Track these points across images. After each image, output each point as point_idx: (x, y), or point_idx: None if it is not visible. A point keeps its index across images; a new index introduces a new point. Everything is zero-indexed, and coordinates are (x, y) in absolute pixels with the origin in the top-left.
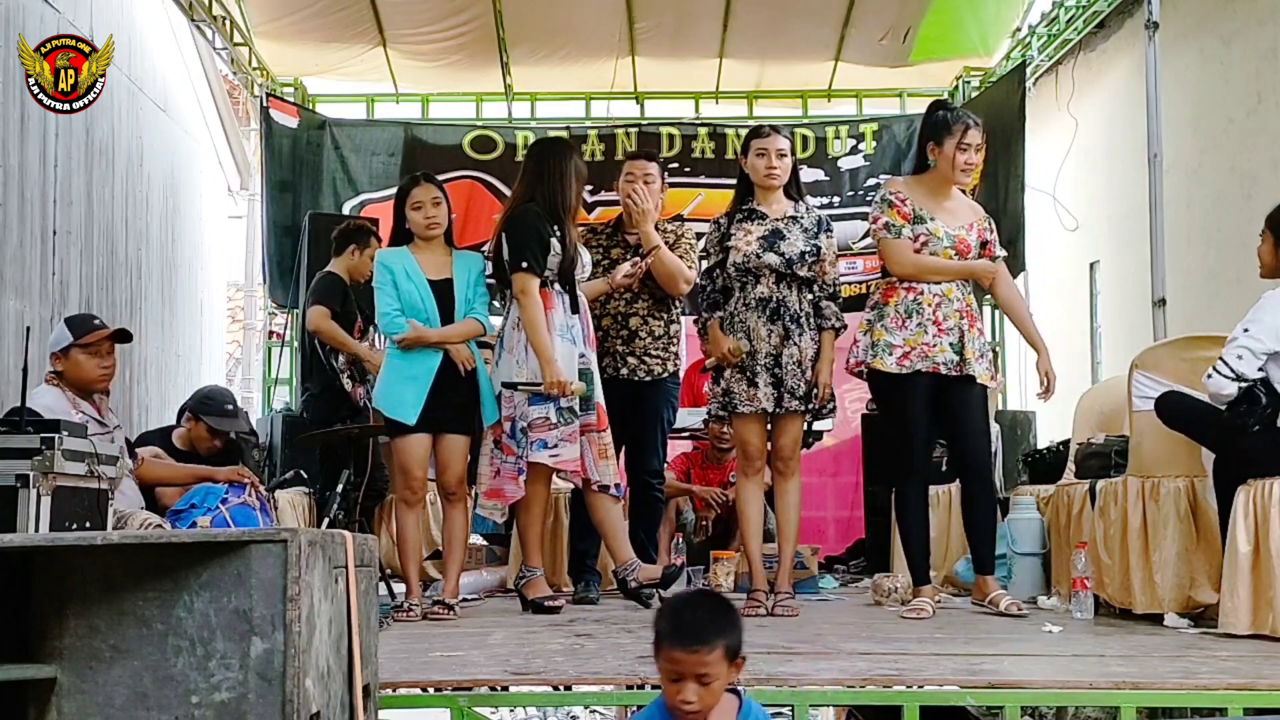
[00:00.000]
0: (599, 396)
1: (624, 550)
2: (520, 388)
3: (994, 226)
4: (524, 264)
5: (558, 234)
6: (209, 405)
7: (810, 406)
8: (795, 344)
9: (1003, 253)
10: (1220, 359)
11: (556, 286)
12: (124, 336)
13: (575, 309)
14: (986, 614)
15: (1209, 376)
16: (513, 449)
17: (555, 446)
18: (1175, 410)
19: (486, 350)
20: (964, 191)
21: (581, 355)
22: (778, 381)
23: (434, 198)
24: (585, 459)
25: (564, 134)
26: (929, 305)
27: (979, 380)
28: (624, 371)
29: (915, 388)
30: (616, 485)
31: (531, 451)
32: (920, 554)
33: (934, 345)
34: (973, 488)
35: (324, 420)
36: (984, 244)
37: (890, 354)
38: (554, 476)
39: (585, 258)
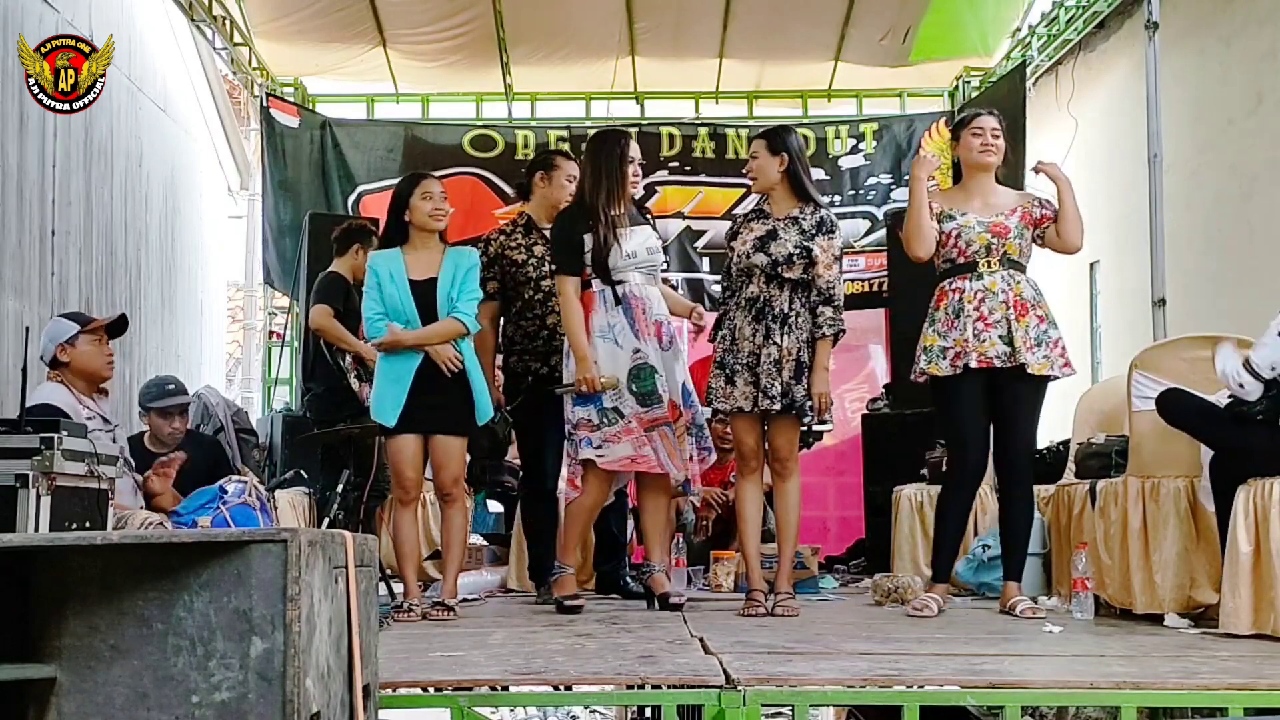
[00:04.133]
0: (666, 389)
1: (651, 548)
2: (558, 390)
3: (1044, 200)
4: (555, 266)
5: (589, 229)
6: (150, 393)
7: (808, 418)
8: (775, 344)
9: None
10: (1252, 363)
11: (596, 284)
12: (124, 322)
13: (618, 302)
14: (987, 614)
15: (1240, 386)
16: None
17: (600, 446)
18: (1176, 407)
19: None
20: (998, 180)
21: (636, 351)
22: (756, 380)
23: (442, 191)
24: (660, 454)
25: (564, 133)
26: (971, 302)
27: (1033, 370)
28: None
29: (969, 387)
30: (687, 481)
31: (580, 449)
32: (945, 553)
33: (982, 340)
34: (1012, 492)
35: (326, 420)
36: (1036, 220)
37: (944, 357)
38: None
39: (634, 247)
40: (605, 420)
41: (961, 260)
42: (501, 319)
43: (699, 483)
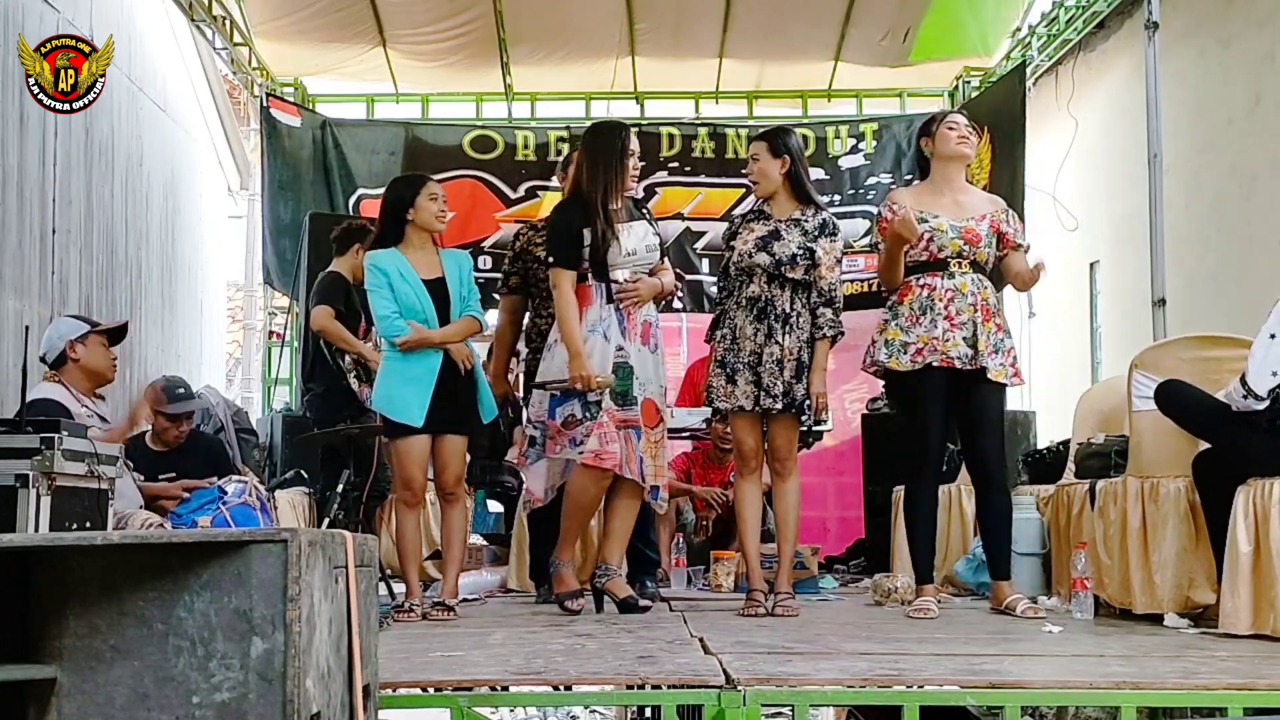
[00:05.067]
0: (643, 392)
1: (610, 550)
2: (548, 387)
3: (1014, 218)
4: (550, 258)
5: (587, 224)
6: (161, 395)
7: (805, 417)
8: (778, 343)
9: (1025, 243)
10: (1246, 381)
11: (591, 279)
12: (125, 330)
13: (611, 298)
14: (987, 614)
15: (1244, 397)
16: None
17: (582, 444)
18: (1175, 399)
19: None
20: (972, 181)
21: (619, 349)
22: (758, 380)
23: (444, 194)
24: (620, 455)
25: (564, 133)
26: (941, 300)
27: (992, 376)
28: None
29: (930, 384)
30: (654, 488)
31: (567, 449)
32: (926, 553)
33: (946, 340)
34: (988, 492)
35: (327, 420)
36: (1000, 235)
37: (905, 352)
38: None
39: (634, 244)
40: (588, 414)
41: (933, 261)
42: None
43: (668, 490)
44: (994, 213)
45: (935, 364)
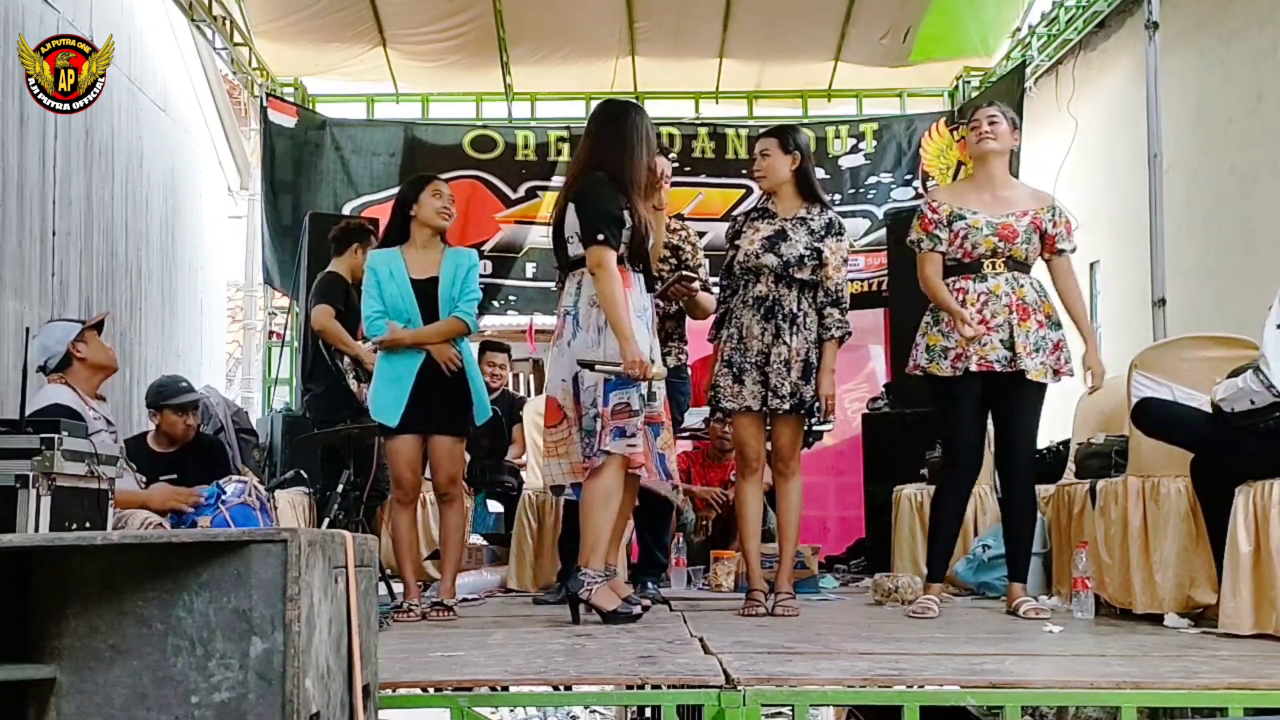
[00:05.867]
0: (660, 386)
1: (610, 551)
2: (598, 368)
3: (1062, 217)
4: (599, 236)
5: (627, 205)
6: (165, 391)
7: (814, 418)
8: (785, 344)
9: (1069, 245)
10: (1261, 370)
11: (627, 263)
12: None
13: (651, 287)
14: (987, 614)
15: (1268, 389)
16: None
17: (633, 436)
18: (1157, 418)
19: (501, 354)
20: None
21: (652, 346)
22: (765, 380)
23: (451, 195)
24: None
25: (564, 133)
26: (974, 305)
27: (1031, 376)
28: None
29: (969, 389)
30: (675, 487)
31: (608, 440)
32: (943, 553)
33: (984, 343)
34: (1014, 493)
35: (327, 420)
36: (1042, 234)
37: (945, 358)
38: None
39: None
40: (642, 407)
41: (967, 260)
42: None
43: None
44: (1038, 210)
45: (973, 368)
